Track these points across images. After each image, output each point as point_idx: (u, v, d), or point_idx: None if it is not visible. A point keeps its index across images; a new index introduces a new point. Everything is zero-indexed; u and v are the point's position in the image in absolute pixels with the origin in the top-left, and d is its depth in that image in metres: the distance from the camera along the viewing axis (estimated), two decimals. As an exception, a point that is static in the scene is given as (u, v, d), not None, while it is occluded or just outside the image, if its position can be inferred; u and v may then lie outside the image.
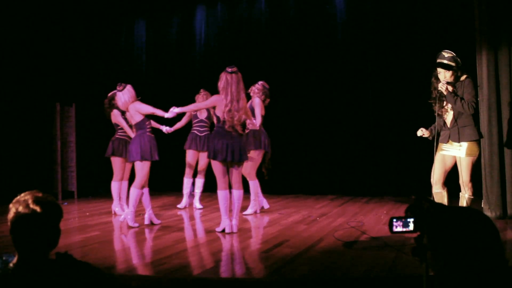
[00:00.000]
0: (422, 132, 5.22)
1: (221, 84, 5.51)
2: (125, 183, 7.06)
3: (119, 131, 6.94)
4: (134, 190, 5.95)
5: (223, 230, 5.51)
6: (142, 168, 5.95)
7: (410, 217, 1.81)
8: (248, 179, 6.79)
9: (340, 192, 8.74)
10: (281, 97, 8.48)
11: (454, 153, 5.00)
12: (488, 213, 5.92)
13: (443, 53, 4.98)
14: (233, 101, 5.42)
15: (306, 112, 9.12)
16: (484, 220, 1.46)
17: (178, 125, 7.56)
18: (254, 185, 6.86)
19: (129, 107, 6.10)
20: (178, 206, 7.65)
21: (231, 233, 5.46)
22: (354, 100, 8.85)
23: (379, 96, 8.59)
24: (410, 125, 5.49)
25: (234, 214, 5.53)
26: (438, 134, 5.10)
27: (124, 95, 6.12)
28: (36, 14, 8.79)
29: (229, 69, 5.54)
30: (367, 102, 8.74)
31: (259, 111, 6.68)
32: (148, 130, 6.08)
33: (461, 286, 1.42)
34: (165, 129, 6.79)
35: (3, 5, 8.25)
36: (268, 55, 9.38)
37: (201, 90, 7.83)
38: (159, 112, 6.05)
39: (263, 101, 6.84)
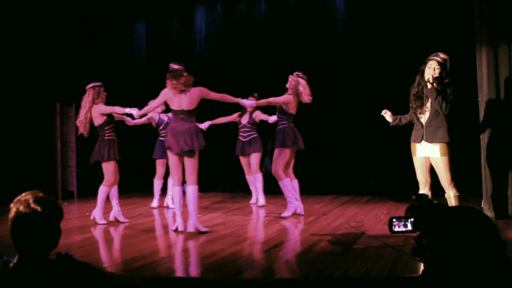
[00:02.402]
0: (386, 114, 5.44)
1: None
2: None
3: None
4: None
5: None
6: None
7: (410, 217, 1.81)
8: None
9: (340, 192, 8.74)
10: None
11: (429, 154, 5.02)
12: (488, 213, 5.92)
13: (439, 53, 5.07)
14: (82, 113, 6.32)
15: (306, 112, 9.11)
16: (483, 220, 1.46)
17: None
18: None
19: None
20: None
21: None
22: (354, 100, 8.86)
23: (379, 95, 8.59)
24: (410, 124, 5.49)
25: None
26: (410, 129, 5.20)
27: None
28: (36, 14, 8.79)
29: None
30: (367, 101, 8.75)
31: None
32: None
33: (458, 287, 1.42)
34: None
35: (4, 5, 8.25)
36: (268, 55, 9.38)
37: None
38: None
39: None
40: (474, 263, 1.39)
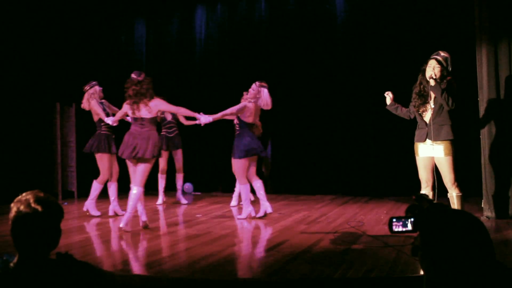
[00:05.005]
0: (388, 95, 5.57)
1: None
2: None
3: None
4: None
5: None
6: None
7: (410, 217, 1.82)
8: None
9: (340, 192, 8.74)
10: (281, 97, 8.48)
11: (433, 153, 5.02)
12: (488, 213, 5.93)
13: (440, 52, 5.08)
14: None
15: (306, 112, 9.12)
16: (473, 222, 1.47)
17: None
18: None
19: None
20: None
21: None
22: (354, 100, 8.85)
23: (379, 95, 8.58)
24: (410, 125, 5.49)
25: None
26: (417, 128, 5.19)
27: None
28: (36, 14, 8.79)
29: None
30: (367, 101, 8.74)
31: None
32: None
33: (447, 286, 1.43)
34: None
35: (3, 5, 8.25)
36: (268, 55, 9.39)
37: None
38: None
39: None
40: (460, 264, 1.41)
